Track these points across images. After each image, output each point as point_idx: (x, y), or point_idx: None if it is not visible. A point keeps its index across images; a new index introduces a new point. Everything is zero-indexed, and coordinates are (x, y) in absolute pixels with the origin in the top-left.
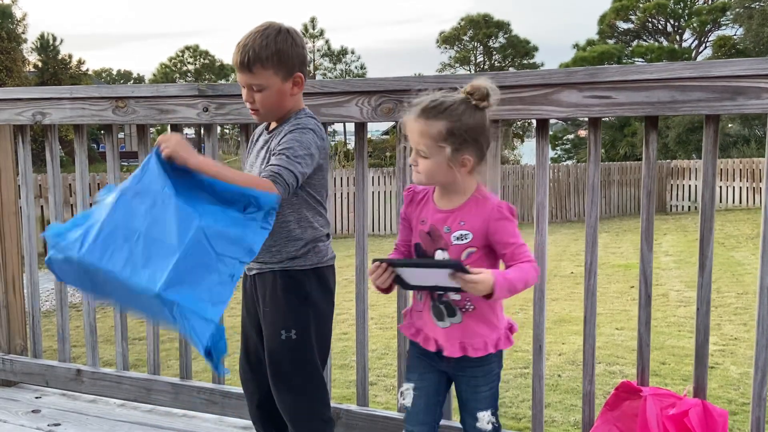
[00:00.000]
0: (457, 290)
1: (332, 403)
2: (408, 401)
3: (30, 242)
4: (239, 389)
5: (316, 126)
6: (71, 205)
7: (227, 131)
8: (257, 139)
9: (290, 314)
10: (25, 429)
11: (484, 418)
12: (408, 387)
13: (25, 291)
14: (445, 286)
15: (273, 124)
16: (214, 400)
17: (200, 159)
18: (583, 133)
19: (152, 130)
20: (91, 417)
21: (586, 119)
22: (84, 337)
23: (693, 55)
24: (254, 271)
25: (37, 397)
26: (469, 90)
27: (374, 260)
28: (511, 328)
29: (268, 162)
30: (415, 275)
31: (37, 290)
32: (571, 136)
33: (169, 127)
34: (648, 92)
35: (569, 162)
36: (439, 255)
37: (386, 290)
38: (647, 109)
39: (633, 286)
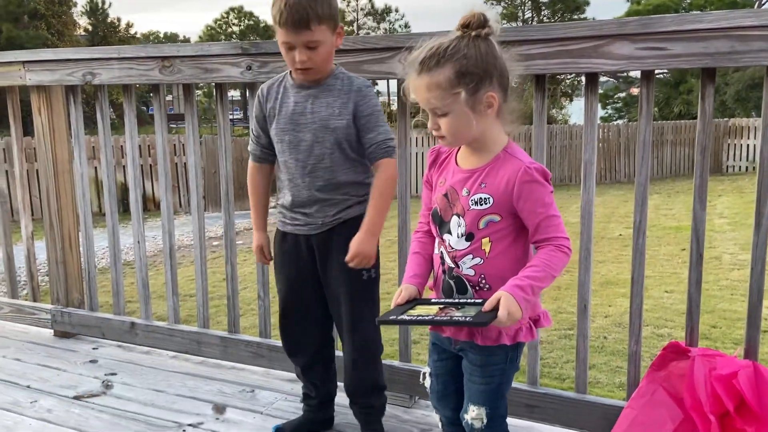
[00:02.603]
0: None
1: None
2: (427, 384)
3: (84, 200)
4: None
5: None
6: (123, 166)
7: None
8: (287, 92)
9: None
10: (84, 378)
11: (474, 412)
12: (426, 371)
13: (81, 249)
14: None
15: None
16: (262, 354)
17: (371, 237)
18: (635, 91)
19: (199, 92)
20: (145, 368)
21: (638, 75)
22: (137, 292)
23: (756, 5)
24: (318, 230)
25: (94, 348)
26: (463, 23)
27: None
28: (537, 321)
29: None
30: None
31: (92, 246)
32: (622, 95)
33: (214, 87)
34: (706, 42)
35: (620, 121)
36: (455, 222)
37: None
38: (705, 61)
39: (684, 249)
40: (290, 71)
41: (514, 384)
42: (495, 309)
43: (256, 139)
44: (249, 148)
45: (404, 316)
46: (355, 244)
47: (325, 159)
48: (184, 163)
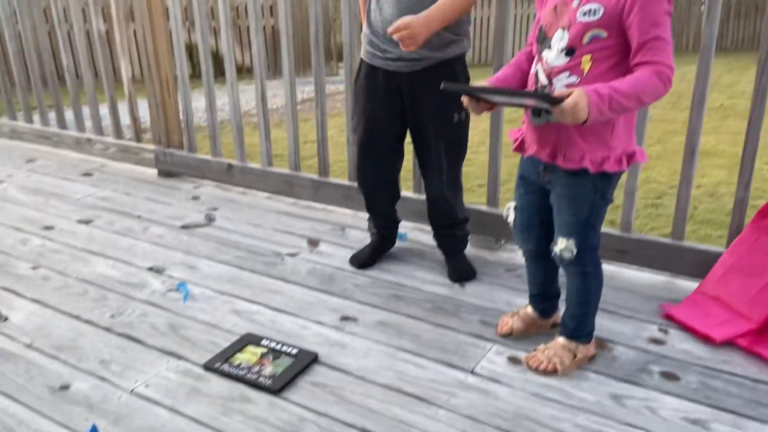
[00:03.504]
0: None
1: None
2: (510, 219)
3: (179, 44)
4: None
5: None
6: (216, 30)
7: None
8: None
9: (458, 98)
10: (189, 210)
11: (563, 244)
12: (510, 206)
13: (179, 99)
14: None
15: None
16: (351, 196)
17: (425, 21)
18: None
19: None
20: (243, 205)
21: None
22: (232, 140)
23: None
24: (410, 69)
25: (195, 187)
26: None
27: (465, 93)
28: (632, 156)
29: None
30: (507, 100)
31: (188, 92)
32: None
33: None
34: None
35: None
36: (558, 36)
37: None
38: None
39: None
40: None
41: (606, 229)
42: (551, 102)
43: None
44: None
45: (470, 87)
46: (407, 18)
47: None
48: (272, 26)
